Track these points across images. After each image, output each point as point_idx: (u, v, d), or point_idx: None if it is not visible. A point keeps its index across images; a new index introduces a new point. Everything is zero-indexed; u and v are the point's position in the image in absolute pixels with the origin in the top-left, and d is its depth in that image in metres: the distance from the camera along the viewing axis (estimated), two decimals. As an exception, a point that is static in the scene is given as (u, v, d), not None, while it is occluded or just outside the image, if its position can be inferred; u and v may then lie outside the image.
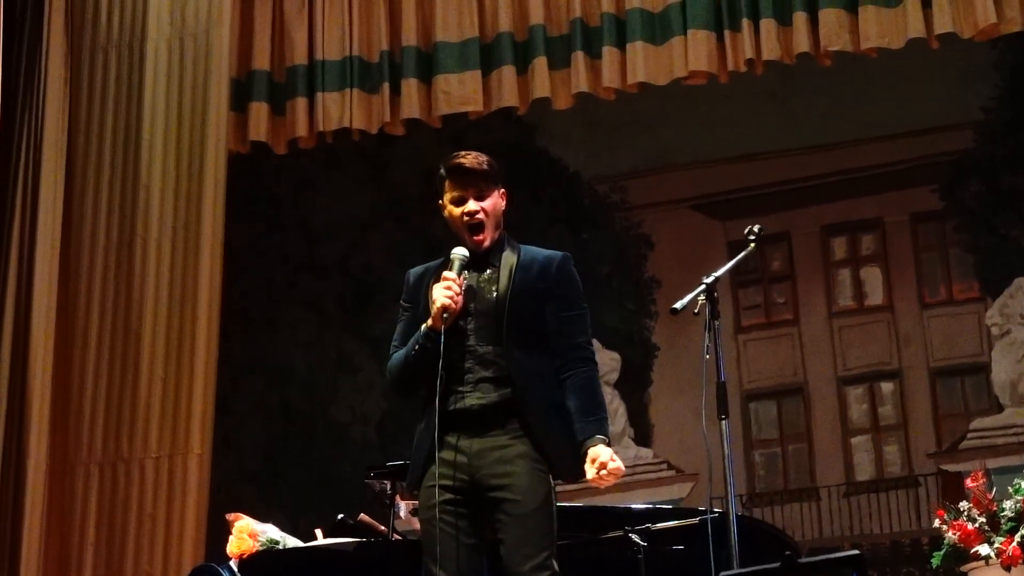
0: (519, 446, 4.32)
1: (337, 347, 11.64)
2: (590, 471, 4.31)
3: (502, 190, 4.55)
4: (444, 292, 4.34)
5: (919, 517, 10.64)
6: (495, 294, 4.43)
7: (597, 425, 4.37)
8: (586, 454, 4.33)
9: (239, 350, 11.11)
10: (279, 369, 11.73)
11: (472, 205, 4.47)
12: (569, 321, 4.48)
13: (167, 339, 8.14)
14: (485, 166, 4.51)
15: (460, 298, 4.36)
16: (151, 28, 8.55)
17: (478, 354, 4.38)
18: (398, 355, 4.52)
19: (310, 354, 11.76)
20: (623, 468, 4.33)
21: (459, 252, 4.45)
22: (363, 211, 11.79)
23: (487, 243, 4.48)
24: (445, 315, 4.33)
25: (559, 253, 4.57)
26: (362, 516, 6.14)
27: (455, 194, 4.50)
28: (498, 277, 4.46)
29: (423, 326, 4.40)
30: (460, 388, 4.36)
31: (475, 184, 4.49)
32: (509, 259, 4.49)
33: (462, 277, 4.40)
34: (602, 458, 4.28)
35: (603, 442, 4.33)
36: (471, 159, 4.51)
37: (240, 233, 10.53)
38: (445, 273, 4.40)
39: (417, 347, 4.40)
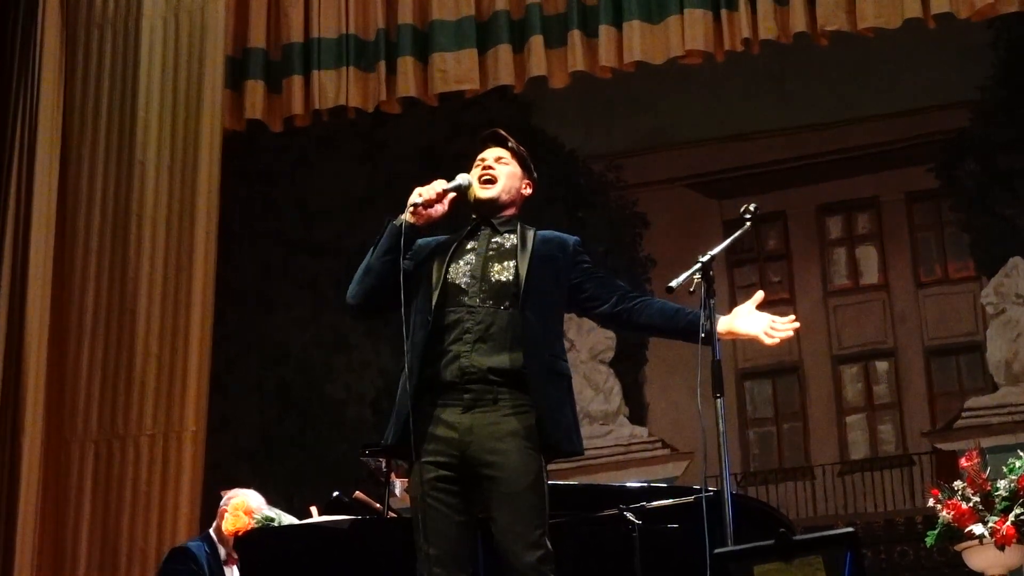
0: (510, 423, 4.31)
1: (332, 327, 11.64)
2: (758, 321, 4.44)
3: (526, 180, 4.65)
4: (426, 187, 4.45)
5: (913, 496, 10.66)
6: (514, 259, 4.46)
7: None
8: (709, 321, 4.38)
9: (235, 330, 11.12)
10: (275, 349, 11.74)
11: (489, 161, 4.59)
12: (604, 275, 4.61)
13: (162, 316, 8.15)
14: (512, 142, 4.66)
15: (442, 203, 4.45)
16: (146, 5, 8.55)
17: (479, 316, 4.38)
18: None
19: (305, 333, 11.76)
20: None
21: (463, 174, 4.56)
22: (359, 190, 11.77)
23: (493, 194, 4.54)
24: (416, 205, 4.41)
25: (575, 238, 4.66)
26: (357, 494, 6.15)
27: (479, 158, 4.63)
28: (516, 245, 4.50)
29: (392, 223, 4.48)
30: (454, 347, 4.36)
31: (497, 146, 4.64)
32: (527, 232, 4.55)
33: (451, 195, 4.49)
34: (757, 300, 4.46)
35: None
36: (505, 133, 4.68)
37: (236, 212, 10.53)
38: (438, 180, 4.49)
39: (378, 237, 4.49)
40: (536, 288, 4.41)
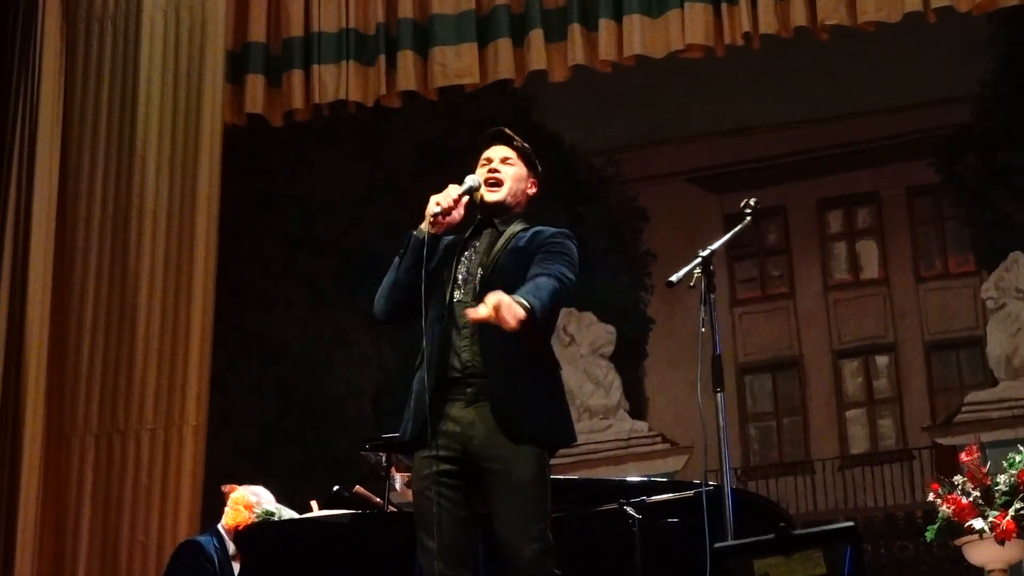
0: (512, 418, 4.33)
1: (332, 324, 11.63)
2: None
3: (532, 179, 4.65)
4: (441, 195, 4.43)
5: (913, 490, 10.67)
6: (491, 252, 4.49)
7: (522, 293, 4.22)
8: None
9: (235, 327, 11.11)
10: (275, 346, 11.73)
11: (495, 163, 4.59)
12: (548, 260, 4.41)
13: (163, 311, 8.14)
14: (517, 141, 4.65)
15: (459, 208, 4.45)
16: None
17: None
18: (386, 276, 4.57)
19: (306, 331, 11.75)
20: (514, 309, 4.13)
21: (472, 176, 4.56)
22: (359, 187, 11.76)
23: (499, 197, 4.55)
24: (435, 215, 4.40)
25: (561, 229, 4.61)
26: (357, 488, 6.16)
27: (485, 157, 4.63)
28: (498, 238, 4.53)
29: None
30: (457, 342, 4.39)
31: (502, 144, 4.64)
32: (515, 227, 4.57)
33: (464, 198, 4.49)
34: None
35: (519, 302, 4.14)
36: (510, 131, 4.67)
37: (237, 208, 10.52)
38: (451, 185, 4.48)
39: (402, 251, 4.48)
40: (502, 278, 4.38)
